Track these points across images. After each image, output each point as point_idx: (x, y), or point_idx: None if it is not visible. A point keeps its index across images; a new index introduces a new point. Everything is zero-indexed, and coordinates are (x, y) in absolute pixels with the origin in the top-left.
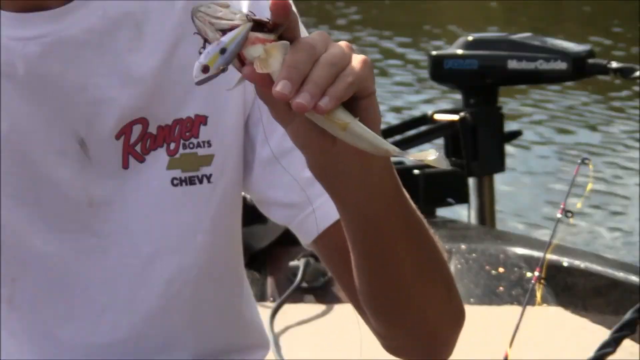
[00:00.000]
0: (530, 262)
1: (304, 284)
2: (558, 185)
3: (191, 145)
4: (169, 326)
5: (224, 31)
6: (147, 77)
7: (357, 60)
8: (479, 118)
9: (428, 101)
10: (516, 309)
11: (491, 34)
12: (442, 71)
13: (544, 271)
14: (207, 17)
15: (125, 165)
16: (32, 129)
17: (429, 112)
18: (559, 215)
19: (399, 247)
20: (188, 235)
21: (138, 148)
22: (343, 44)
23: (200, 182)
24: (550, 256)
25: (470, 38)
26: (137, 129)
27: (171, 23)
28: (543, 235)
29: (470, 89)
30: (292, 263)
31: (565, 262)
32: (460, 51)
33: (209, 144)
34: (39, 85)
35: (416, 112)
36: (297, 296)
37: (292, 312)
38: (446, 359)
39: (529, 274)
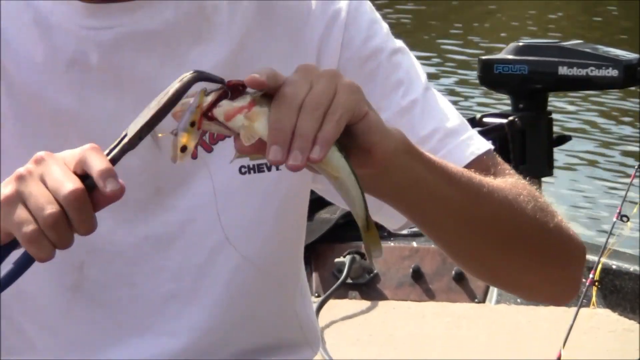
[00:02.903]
0: None
1: (349, 280)
2: (606, 191)
3: None
4: (231, 317)
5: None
6: (216, 69)
7: (342, 88)
8: (527, 122)
9: (477, 104)
10: (566, 310)
11: (542, 40)
12: (491, 75)
13: (597, 274)
14: (180, 108)
15: (194, 155)
16: (105, 118)
17: (477, 116)
18: (614, 219)
19: (461, 221)
20: (254, 224)
21: (206, 138)
22: (326, 73)
23: (269, 169)
24: (603, 259)
25: (520, 43)
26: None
27: (240, 16)
28: (591, 238)
29: (519, 93)
30: (338, 259)
31: (616, 265)
32: (510, 56)
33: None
34: (111, 74)
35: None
36: (342, 292)
37: (337, 308)
38: (568, 297)
39: None
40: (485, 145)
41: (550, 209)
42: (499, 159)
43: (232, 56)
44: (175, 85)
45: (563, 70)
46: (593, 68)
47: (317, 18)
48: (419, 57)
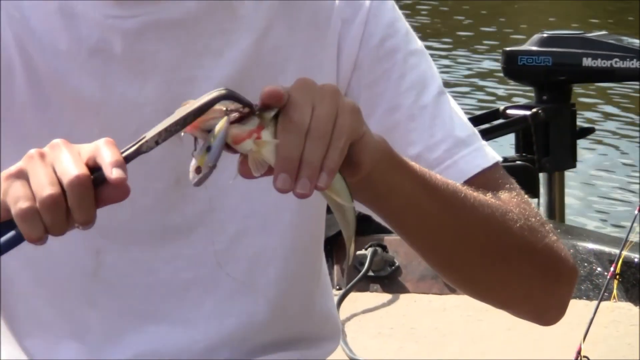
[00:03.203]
0: (601, 258)
1: (371, 273)
2: (628, 184)
3: None
4: (250, 306)
5: (209, 130)
6: (239, 58)
7: (344, 110)
8: (551, 114)
9: (499, 96)
10: (587, 304)
11: (566, 31)
12: (515, 67)
13: (618, 267)
14: (193, 125)
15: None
16: (126, 106)
17: (501, 107)
18: (636, 212)
19: (444, 228)
20: (274, 214)
21: None
22: (328, 91)
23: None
24: (624, 252)
25: (544, 35)
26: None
27: (264, 7)
28: (613, 231)
29: (543, 85)
30: (360, 252)
31: (638, 258)
32: (534, 47)
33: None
34: (134, 62)
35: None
36: (363, 285)
37: (358, 300)
38: (554, 318)
39: (599, 269)
40: (493, 158)
41: (541, 229)
42: (504, 173)
43: (255, 47)
44: (203, 99)
45: (587, 62)
46: (617, 59)
47: (339, 12)
48: (440, 49)
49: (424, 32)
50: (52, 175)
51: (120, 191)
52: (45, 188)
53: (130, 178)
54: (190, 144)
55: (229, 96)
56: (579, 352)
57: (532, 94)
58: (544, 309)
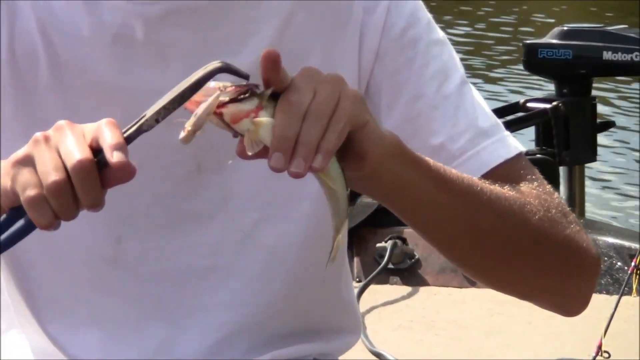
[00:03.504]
0: (621, 252)
1: (391, 266)
2: None
3: None
4: (269, 294)
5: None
6: (261, 46)
7: (345, 97)
8: (571, 108)
9: (518, 90)
10: (607, 299)
11: (587, 24)
12: (535, 60)
13: (638, 262)
14: (199, 97)
15: (236, 134)
16: (147, 92)
17: (521, 100)
18: None
19: (454, 222)
20: (294, 202)
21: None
22: (330, 79)
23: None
24: None
25: (565, 28)
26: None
27: None
28: (633, 225)
29: (563, 78)
30: (379, 244)
31: None
32: (555, 41)
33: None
34: (157, 49)
35: (506, 100)
36: (383, 277)
37: (378, 293)
38: (579, 309)
39: (619, 264)
40: (515, 148)
41: (562, 220)
42: (527, 164)
43: (278, 35)
44: (198, 73)
45: (607, 55)
46: (638, 53)
47: (361, 0)
48: (459, 42)
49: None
50: (57, 160)
51: (124, 172)
52: (50, 174)
53: (149, 164)
54: (211, 131)
55: (225, 69)
56: (599, 347)
57: (542, 86)
58: (566, 300)
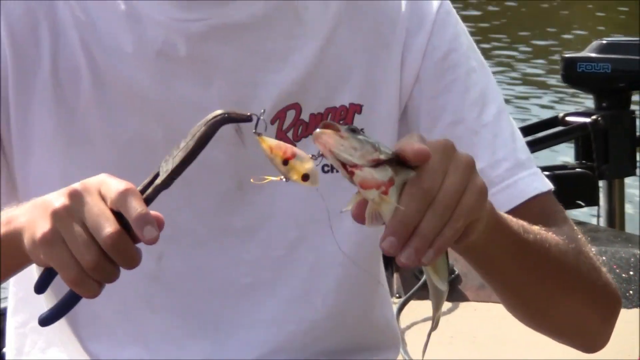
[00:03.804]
0: None
1: None
2: None
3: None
4: (310, 312)
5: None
6: (303, 64)
7: (473, 188)
8: (611, 121)
9: (556, 103)
10: None
11: (626, 37)
12: (574, 74)
13: None
14: (329, 145)
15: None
16: (189, 108)
17: (560, 114)
18: None
19: (519, 275)
20: (335, 220)
21: (290, 134)
22: (464, 162)
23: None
24: None
25: (604, 41)
26: (290, 115)
27: (329, 13)
28: None
29: (602, 92)
30: None
31: None
32: (593, 54)
33: (363, 131)
34: (199, 66)
35: (545, 114)
36: (423, 293)
37: (418, 309)
38: (600, 347)
39: None
40: (548, 184)
41: (598, 266)
42: (556, 201)
43: (320, 54)
44: (201, 129)
45: None
46: None
47: (405, 20)
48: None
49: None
50: (86, 238)
51: (153, 241)
52: (85, 254)
53: (192, 181)
54: (251, 149)
55: (228, 119)
56: None
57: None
58: (598, 339)
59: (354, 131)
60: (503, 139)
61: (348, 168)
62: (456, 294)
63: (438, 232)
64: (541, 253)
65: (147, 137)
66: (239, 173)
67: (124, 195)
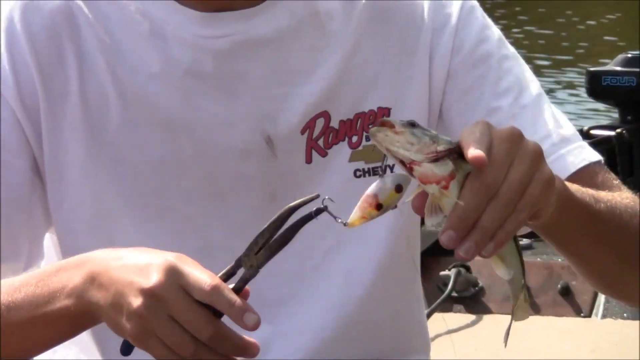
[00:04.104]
0: None
1: (454, 294)
2: None
3: None
4: (345, 318)
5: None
6: (329, 75)
7: (539, 180)
8: (635, 135)
9: (581, 117)
10: None
11: None
12: (599, 87)
13: None
14: (385, 143)
15: (309, 160)
16: (218, 125)
17: (585, 128)
18: None
19: (589, 242)
20: (368, 227)
21: (321, 142)
22: (531, 152)
23: (384, 172)
24: None
25: (629, 55)
26: (320, 123)
27: (353, 23)
28: None
29: (627, 105)
30: (443, 273)
31: None
32: (618, 68)
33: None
34: (227, 82)
35: None
36: (447, 305)
37: (442, 321)
38: None
39: None
40: (596, 155)
41: None
42: (608, 170)
43: (345, 63)
44: (284, 231)
45: None
46: None
47: (429, 21)
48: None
49: None
50: (183, 336)
51: (257, 326)
52: (184, 349)
53: (225, 196)
54: (283, 161)
55: (305, 220)
56: None
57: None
58: None
59: (413, 125)
60: (544, 119)
61: (407, 164)
62: (480, 307)
63: (499, 225)
64: (613, 221)
65: (177, 156)
66: (272, 185)
67: (214, 291)
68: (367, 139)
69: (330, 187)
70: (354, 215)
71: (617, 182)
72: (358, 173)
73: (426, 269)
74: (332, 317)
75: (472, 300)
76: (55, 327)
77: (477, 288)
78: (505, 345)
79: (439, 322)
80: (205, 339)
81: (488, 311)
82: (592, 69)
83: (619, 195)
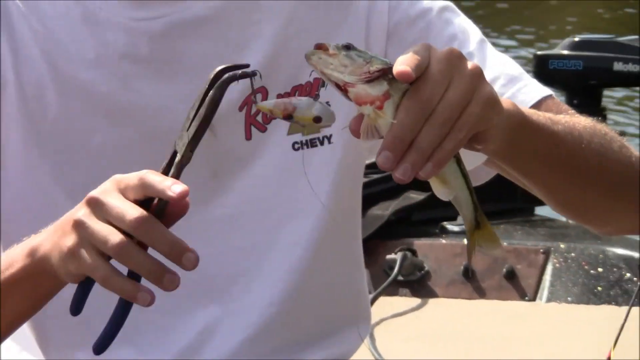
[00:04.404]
0: (630, 263)
1: (400, 278)
2: None
3: None
4: (290, 292)
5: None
6: (265, 48)
7: (479, 98)
8: None
9: None
10: (615, 310)
11: (597, 35)
12: (546, 71)
13: None
14: (319, 66)
15: (249, 137)
16: (158, 108)
17: None
18: None
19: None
20: (309, 197)
21: (259, 118)
22: (471, 72)
23: (322, 143)
24: None
25: (576, 39)
26: (257, 99)
27: None
28: None
29: (574, 89)
30: (389, 256)
31: None
32: (565, 52)
33: (329, 104)
34: (163, 64)
35: None
36: (392, 289)
37: (388, 305)
38: None
39: (628, 275)
40: (547, 90)
41: (623, 140)
42: (561, 103)
43: (281, 34)
44: (211, 93)
45: (618, 66)
46: None
47: None
48: None
49: None
50: (109, 228)
51: (181, 206)
52: (108, 243)
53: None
54: (224, 137)
55: (233, 78)
56: (608, 358)
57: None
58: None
59: (348, 48)
60: (490, 63)
61: (342, 87)
62: (425, 290)
63: (436, 145)
64: (574, 142)
65: (118, 141)
66: (213, 163)
67: (143, 179)
68: None
69: (270, 161)
70: (268, 104)
71: (572, 111)
72: (296, 145)
73: (372, 253)
74: (277, 292)
75: (418, 284)
76: (19, 291)
77: (423, 272)
78: (470, 273)
79: (384, 305)
80: (130, 224)
81: (434, 295)
82: (539, 52)
83: (577, 118)
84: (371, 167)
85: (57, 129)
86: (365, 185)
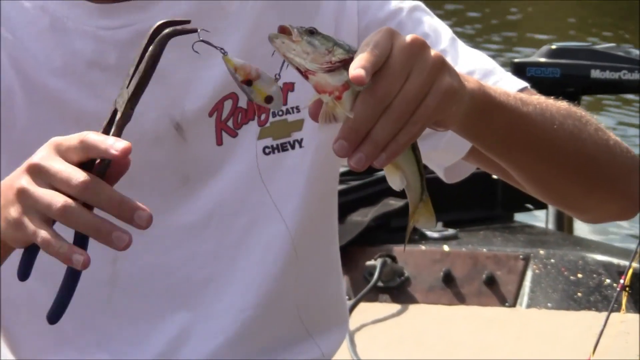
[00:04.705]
0: (610, 269)
1: (380, 284)
2: None
3: (280, 113)
4: (264, 296)
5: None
6: (234, 53)
7: (437, 90)
8: None
9: None
10: (595, 315)
11: (575, 42)
12: (524, 78)
13: (627, 279)
14: (282, 50)
15: (220, 142)
16: None
17: None
18: None
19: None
20: (282, 201)
21: (230, 123)
22: (432, 64)
23: (292, 147)
24: (634, 264)
25: (553, 46)
26: (227, 105)
27: (251, 1)
28: (622, 243)
29: (551, 97)
30: (369, 262)
31: None
32: (543, 59)
33: (298, 110)
34: None
35: None
36: (372, 295)
37: (368, 311)
38: (635, 210)
39: (607, 281)
40: (522, 82)
41: (601, 124)
42: (537, 92)
43: (247, 42)
44: (150, 49)
45: (595, 74)
46: (626, 71)
47: None
48: None
49: None
50: (51, 192)
51: (123, 164)
52: (50, 206)
53: (134, 183)
54: (194, 143)
55: (173, 34)
56: None
57: None
58: (626, 204)
59: (312, 33)
60: (464, 59)
61: (303, 72)
62: (405, 296)
63: (391, 138)
64: (546, 123)
65: None
66: (183, 169)
67: (85, 140)
68: (274, 115)
69: (241, 166)
70: (237, 61)
71: (551, 100)
72: (267, 150)
73: (352, 259)
74: (251, 297)
75: (397, 290)
76: None
77: (402, 278)
78: (405, 249)
79: (364, 312)
80: (77, 187)
81: (414, 301)
82: (516, 60)
83: (552, 101)
84: (350, 174)
85: (26, 136)
86: (345, 192)
